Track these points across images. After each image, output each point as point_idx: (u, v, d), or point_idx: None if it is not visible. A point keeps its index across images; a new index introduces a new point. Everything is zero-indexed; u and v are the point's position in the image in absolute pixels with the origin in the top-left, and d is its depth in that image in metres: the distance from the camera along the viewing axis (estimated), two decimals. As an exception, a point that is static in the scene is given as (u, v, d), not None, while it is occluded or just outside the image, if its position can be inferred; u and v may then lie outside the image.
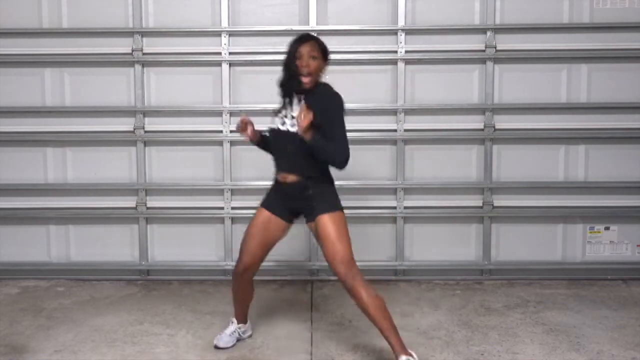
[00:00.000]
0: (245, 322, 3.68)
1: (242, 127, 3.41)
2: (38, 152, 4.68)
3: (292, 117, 3.26)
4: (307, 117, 3.12)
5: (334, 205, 3.32)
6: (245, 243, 3.44)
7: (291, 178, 3.32)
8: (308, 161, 3.25)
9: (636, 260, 4.69)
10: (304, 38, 3.32)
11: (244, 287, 3.56)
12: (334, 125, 3.21)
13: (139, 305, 4.22)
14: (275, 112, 3.38)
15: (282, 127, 3.31)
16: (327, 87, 3.34)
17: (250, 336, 3.70)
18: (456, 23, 4.55)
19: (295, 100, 3.33)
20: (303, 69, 3.24)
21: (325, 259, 3.33)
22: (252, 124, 3.41)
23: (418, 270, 4.69)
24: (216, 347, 3.58)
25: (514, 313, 4.07)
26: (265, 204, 3.45)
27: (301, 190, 3.31)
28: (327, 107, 3.22)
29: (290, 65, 3.27)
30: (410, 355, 3.18)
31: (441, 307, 4.16)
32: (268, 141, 3.45)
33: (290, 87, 3.32)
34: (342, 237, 3.27)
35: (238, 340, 3.64)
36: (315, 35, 4.48)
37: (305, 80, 3.25)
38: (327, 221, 3.26)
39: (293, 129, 3.24)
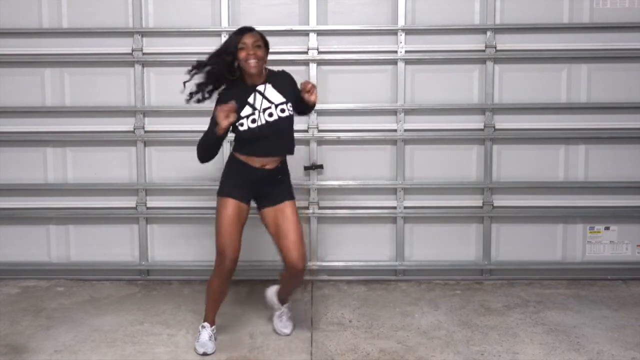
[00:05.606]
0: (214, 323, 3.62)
1: (230, 111, 3.36)
2: (38, 152, 4.67)
3: (276, 106, 3.44)
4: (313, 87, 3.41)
5: (293, 194, 3.58)
6: (226, 238, 3.44)
7: (270, 165, 3.47)
8: (288, 143, 3.53)
9: (636, 260, 4.69)
10: (245, 30, 3.48)
11: (226, 285, 3.57)
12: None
13: (139, 305, 4.22)
14: (241, 115, 3.43)
15: (270, 119, 3.43)
16: (274, 70, 3.57)
17: (216, 338, 3.58)
18: (456, 23, 4.55)
19: (262, 90, 3.46)
20: (250, 57, 3.39)
21: (283, 245, 3.46)
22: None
23: (418, 270, 4.69)
24: (205, 354, 3.46)
25: (514, 313, 4.07)
26: (229, 194, 3.49)
27: (275, 175, 3.50)
28: (293, 83, 3.55)
29: (231, 56, 3.44)
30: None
31: (441, 307, 4.16)
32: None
33: (230, 78, 3.49)
34: (301, 230, 3.50)
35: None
36: (316, 34, 4.54)
37: (253, 67, 3.41)
38: (293, 209, 3.51)
39: (283, 114, 3.44)
